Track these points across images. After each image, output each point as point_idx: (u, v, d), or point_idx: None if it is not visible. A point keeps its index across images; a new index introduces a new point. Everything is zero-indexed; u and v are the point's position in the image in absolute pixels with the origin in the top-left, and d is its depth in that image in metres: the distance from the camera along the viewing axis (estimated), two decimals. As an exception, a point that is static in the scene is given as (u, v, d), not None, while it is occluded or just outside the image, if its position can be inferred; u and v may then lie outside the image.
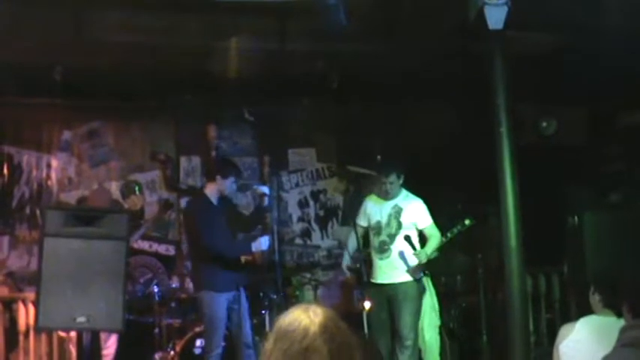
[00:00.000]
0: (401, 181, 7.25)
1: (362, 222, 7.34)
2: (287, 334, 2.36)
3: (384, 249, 7.13)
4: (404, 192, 7.27)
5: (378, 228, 7.19)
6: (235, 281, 6.60)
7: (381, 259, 7.14)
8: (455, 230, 7.59)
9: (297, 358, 2.32)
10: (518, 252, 5.70)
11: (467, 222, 7.56)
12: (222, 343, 6.60)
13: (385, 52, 7.65)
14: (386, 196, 7.23)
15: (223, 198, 6.87)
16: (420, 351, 7.60)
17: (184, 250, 8.74)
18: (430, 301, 7.62)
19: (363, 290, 7.07)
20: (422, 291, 7.21)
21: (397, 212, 7.16)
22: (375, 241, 7.21)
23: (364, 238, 7.34)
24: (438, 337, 7.69)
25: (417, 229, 7.17)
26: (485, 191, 6.51)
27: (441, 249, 7.51)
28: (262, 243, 6.78)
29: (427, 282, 7.63)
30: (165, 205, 8.46)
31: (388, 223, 7.16)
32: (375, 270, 7.21)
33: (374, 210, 7.28)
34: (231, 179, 6.82)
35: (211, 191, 6.79)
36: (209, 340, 6.68)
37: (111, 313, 5.49)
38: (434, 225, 7.24)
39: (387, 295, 7.06)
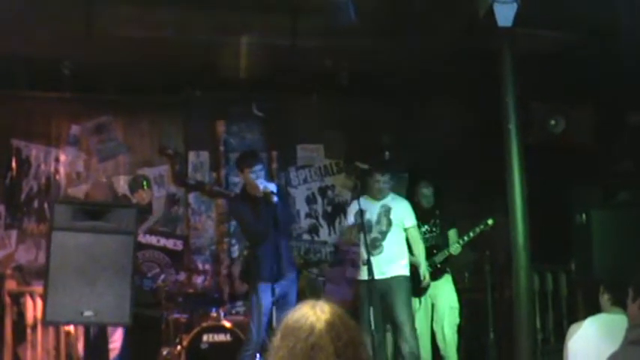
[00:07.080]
0: (392, 183, 7.47)
1: (352, 220, 7.32)
2: (293, 331, 2.35)
3: (375, 245, 7.17)
4: (392, 194, 7.43)
5: (368, 226, 7.14)
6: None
7: (373, 255, 7.07)
8: (477, 229, 7.67)
9: (303, 355, 2.30)
10: (525, 249, 5.70)
11: (489, 222, 7.66)
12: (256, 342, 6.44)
13: (394, 49, 7.65)
14: (378, 194, 7.34)
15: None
16: (439, 348, 7.76)
17: (192, 245, 8.77)
18: (450, 300, 7.67)
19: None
20: (410, 284, 7.24)
21: (387, 211, 7.29)
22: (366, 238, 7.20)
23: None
24: (456, 335, 7.73)
25: (403, 228, 7.27)
26: (494, 188, 6.51)
27: (463, 247, 7.75)
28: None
29: (447, 280, 7.66)
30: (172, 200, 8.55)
31: (378, 221, 7.26)
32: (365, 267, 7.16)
33: (364, 209, 7.27)
34: (247, 171, 6.70)
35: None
36: (247, 335, 6.71)
37: (118, 307, 5.50)
38: (416, 227, 7.39)
39: (381, 291, 7.00)
